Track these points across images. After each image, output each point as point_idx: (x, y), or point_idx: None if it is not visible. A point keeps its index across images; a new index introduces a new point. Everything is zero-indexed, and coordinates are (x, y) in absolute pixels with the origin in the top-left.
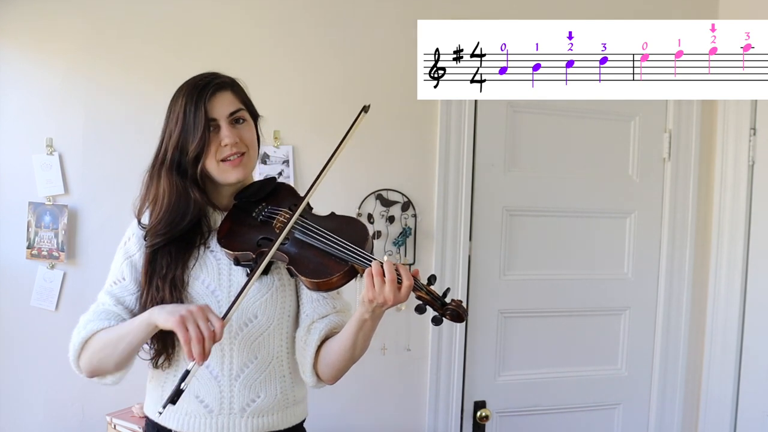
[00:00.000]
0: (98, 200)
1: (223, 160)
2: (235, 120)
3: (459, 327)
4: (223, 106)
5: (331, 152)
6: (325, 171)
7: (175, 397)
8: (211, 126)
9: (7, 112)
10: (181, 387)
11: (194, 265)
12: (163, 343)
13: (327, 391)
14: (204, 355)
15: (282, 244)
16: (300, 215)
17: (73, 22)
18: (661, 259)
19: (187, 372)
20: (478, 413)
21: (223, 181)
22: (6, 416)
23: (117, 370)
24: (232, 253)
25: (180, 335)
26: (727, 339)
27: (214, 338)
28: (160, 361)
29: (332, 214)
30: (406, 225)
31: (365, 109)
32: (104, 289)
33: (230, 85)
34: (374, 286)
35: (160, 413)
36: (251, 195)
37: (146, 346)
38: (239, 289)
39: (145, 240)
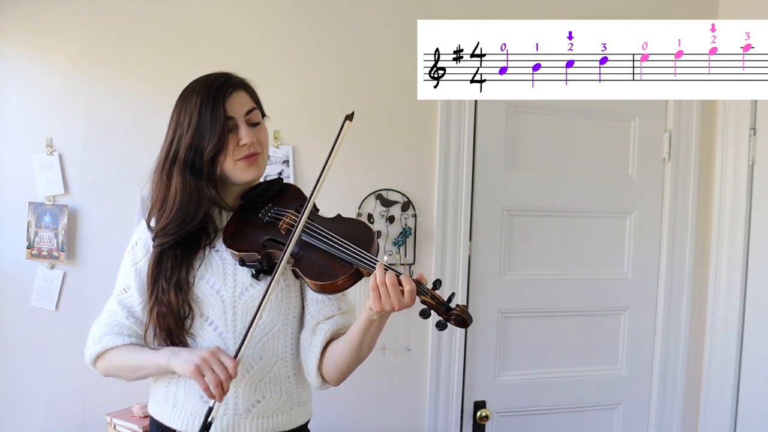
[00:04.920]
0: (98, 200)
1: (239, 159)
2: (251, 120)
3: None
4: (239, 105)
5: (322, 165)
6: (320, 181)
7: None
8: (229, 125)
9: (7, 112)
10: (209, 421)
11: (200, 265)
12: (173, 343)
13: (327, 390)
14: (223, 395)
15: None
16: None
17: (74, 22)
18: (661, 259)
19: (211, 408)
20: (478, 413)
21: (240, 180)
22: (6, 416)
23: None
24: (237, 253)
25: (198, 383)
26: (727, 339)
27: (230, 377)
28: None
29: (338, 216)
30: (406, 225)
31: (349, 117)
32: (114, 296)
33: (244, 85)
34: (380, 298)
35: None
36: (258, 196)
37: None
38: (248, 298)
39: (153, 241)
